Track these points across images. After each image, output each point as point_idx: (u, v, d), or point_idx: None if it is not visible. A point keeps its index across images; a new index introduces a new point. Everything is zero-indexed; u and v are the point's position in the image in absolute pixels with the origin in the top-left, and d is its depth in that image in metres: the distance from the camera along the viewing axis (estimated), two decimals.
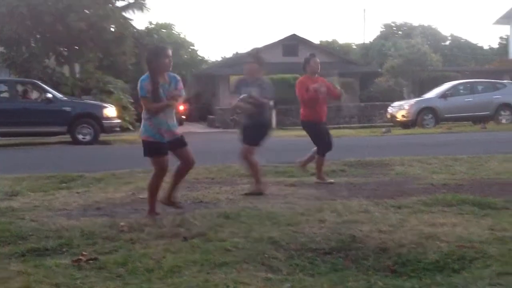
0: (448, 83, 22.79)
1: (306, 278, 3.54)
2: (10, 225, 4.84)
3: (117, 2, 25.68)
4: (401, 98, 27.07)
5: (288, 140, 15.90)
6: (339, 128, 22.21)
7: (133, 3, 26.21)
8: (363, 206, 5.35)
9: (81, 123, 16.11)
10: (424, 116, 20.36)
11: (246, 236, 4.31)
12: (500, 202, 5.42)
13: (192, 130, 23.80)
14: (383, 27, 53.88)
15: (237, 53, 45.00)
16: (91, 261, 3.80)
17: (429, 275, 3.55)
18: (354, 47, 49.23)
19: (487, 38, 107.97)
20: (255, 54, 6.87)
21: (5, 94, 16.76)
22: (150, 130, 5.25)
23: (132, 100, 22.13)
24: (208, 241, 4.24)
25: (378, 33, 53.57)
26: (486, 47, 53.34)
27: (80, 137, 16.05)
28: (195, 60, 42.36)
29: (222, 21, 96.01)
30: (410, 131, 18.65)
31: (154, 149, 5.23)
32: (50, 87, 17.25)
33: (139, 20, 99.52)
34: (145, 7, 26.40)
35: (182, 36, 42.27)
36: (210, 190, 6.76)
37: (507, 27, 42.48)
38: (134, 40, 26.33)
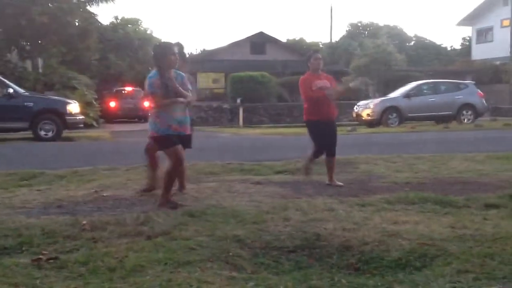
0: (412, 83, 23.14)
1: (270, 276, 3.53)
2: None
3: None
4: (367, 97, 27.38)
5: (254, 138, 15.90)
6: (305, 126, 22.30)
7: None
8: (327, 204, 5.38)
9: (43, 119, 15.75)
10: (388, 115, 20.64)
11: (210, 235, 4.29)
12: (461, 200, 5.52)
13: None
14: (349, 26, 54.46)
15: (204, 49, 44.87)
16: (51, 260, 3.71)
17: (392, 272, 3.59)
18: (321, 46, 49.58)
19: (450, 39, 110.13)
20: (179, 50, 6.25)
21: None
22: (158, 127, 5.40)
23: (96, 96, 21.83)
24: (172, 239, 4.20)
25: (344, 32, 54.13)
26: (449, 48, 54.42)
27: (42, 133, 15.71)
28: None
29: (189, 18, 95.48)
30: (375, 130, 18.87)
31: (164, 143, 5.39)
32: (12, 82, 16.84)
33: (104, 15, 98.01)
34: None
35: (149, 32, 41.88)
36: (174, 187, 6.69)
37: (470, 28, 43.51)
38: (99, 35, 25.95)
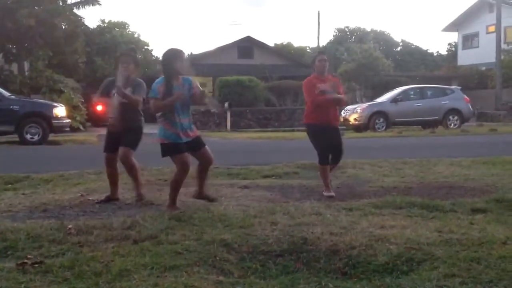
0: (399, 88, 23.32)
1: (257, 281, 3.52)
2: None
3: None
4: (354, 102, 27.50)
5: (242, 142, 15.90)
6: (293, 131, 22.38)
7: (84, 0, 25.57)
8: (315, 209, 5.38)
9: (29, 123, 15.64)
10: (376, 120, 20.75)
11: (197, 239, 4.27)
12: (448, 205, 5.55)
13: (145, 131, 23.47)
14: (336, 31, 54.72)
15: (191, 53, 44.78)
16: (36, 265, 3.67)
17: (379, 277, 3.60)
18: (309, 50, 49.77)
19: (437, 44, 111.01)
20: (132, 54, 6.25)
21: None
22: (165, 133, 5.43)
23: (82, 100, 21.70)
24: (158, 244, 4.17)
25: (331, 37, 54.37)
26: (435, 53, 54.87)
27: (28, 137, 15.60)
28: (149, 60, 41.92)
29: (177, 21, 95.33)
30: (362, 134, 18.97)
31: (171, 149, 5.42)
32: None
33: (91, 19, 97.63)
34: (97, 2, 25.67)
35: (136, 35, 41.77)
36: (162, 192, 6.66)
37: (455, 34, 43.90)
38: (85, 39, 25.82)
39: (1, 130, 15.71)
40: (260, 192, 6.63)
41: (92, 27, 34.79)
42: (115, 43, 34.77)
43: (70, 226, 4.62)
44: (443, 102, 21.43)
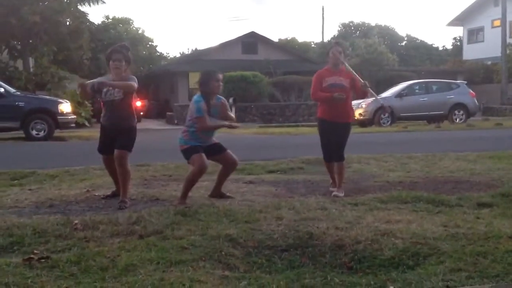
0: (404, 83, 23.22)
1: (263, 275, 3.53)
2: None
3: None
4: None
5: (246, 137, 15.90)
6: (298, 126, 22.36)
7: None
8: (320, 204, 5.37)
9: (35, 119, 15.69)
10: (381, 115, 20.69)
11: (203, 234, 4.27)
12: (453, 199, 5.54)
13: (151, 127, 23.55)
14: (341, 26, 54.61)
15: (196, 49, 44.80)
16: (43, 260, 3.68)
17: (385, 271, 3.59)
18: (313, 45, 49.67)
19: (442, 39, 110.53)
20: (124, 51, 5.88)
21: None
22: (186, 141, 5.75)
23: None
24: (164, 239, 4.18)
25: (336, 32, 54.24)
26: (440, 48, 54.68)
27: (34, 133, 15.65)
28: (154, 56, 41.98)
29: (181, 17, 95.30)
30: (367, 129, 18.92)
31: (190, 151, 5.69)
32: (3, 82, 16.75)
33: (95, 15, 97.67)
34: (101, 0, 25.75)
35: (140, 31, 41.82)
36: (167, 187, 6.68)
37: (461, 28, 43.72)
38: (90, 35, 25.82)
39: (7, 126, 15.77)
40: (265, 187, 6.64)
41: (96, 24, 34.84)
42: (120, 39, 34.80)
43: (76, 222, 4.63)
44: (448, 96, 21.36)
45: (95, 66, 31.70)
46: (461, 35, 44.83)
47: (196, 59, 34.78)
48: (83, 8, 25.76)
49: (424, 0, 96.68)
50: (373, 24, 54.32)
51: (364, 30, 51.48)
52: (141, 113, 26.74)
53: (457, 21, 43.20)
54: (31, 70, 23.57)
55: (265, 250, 4.02)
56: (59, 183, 7.20)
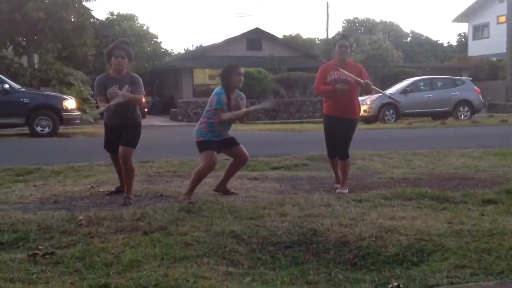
0: (409, 79, 23.16)
1: (267, 271, 3.53)
2: None
3: None
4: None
5: (251, 134, 15.89)
6: (302, 122, 22.34)
7: None
8: (324, 200, 5.37)
9: (39, 115, 15.72)
10: (385, 111, 20.65)
11: (207, 230, 4.28)
12: (458, 196, 5.52)
13: (155, 123, 23.57)
14: (345, 22, 54.43)
15: (200, 45, 44.77)
16: (47, 256, 3.70)
17: (389, 268, 3.59)
18: (318, 42, 49.56)
19: (446, 35, 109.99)
20: (125, 47, 5.78)
21: None
22: (202, 133, 5.78)
23: (92, 92, 21.74)
24: (168, 235, 4.19)
25: (340, 28, 54.09)
26: (445, 44, 54.46)
27: (38, 129, 15.68)
28: (158, 53, 41.96)
29: (185, 13, 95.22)
30: (371, 126, 18.89)
31: (203, 145, 5.74)
32: (8, 78, 16.79)
33: (100, 11, 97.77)
34: None
35: (144, 28, 41.80)
36: (171, 183, 6.69)
37: (466, 24, 43.53)
38: (94, 31, 25.84)
39: (11, 122, 15.81)
40: (269, 184, 6.64)
41: (101, 20, 34.85)
42: (124, 35, 34.80)
43: (80, 218, 4.65)
44: (453, 93, 21.29)
45: (99, 63, 31.73)
46: (466, 31, 44.63)
47: (200, 55, 34.76)
48: (88, 4, 25.83)
49: None
50: (377, 20, 54.13)
51: (369, 26, 51.30)
52: (146, 110, 26.75)
53: (462, 17, 43.00)
54: (36, 66, 23.61)
55: (269, 246, 4.02)
56: (64, 179, 7.21)
